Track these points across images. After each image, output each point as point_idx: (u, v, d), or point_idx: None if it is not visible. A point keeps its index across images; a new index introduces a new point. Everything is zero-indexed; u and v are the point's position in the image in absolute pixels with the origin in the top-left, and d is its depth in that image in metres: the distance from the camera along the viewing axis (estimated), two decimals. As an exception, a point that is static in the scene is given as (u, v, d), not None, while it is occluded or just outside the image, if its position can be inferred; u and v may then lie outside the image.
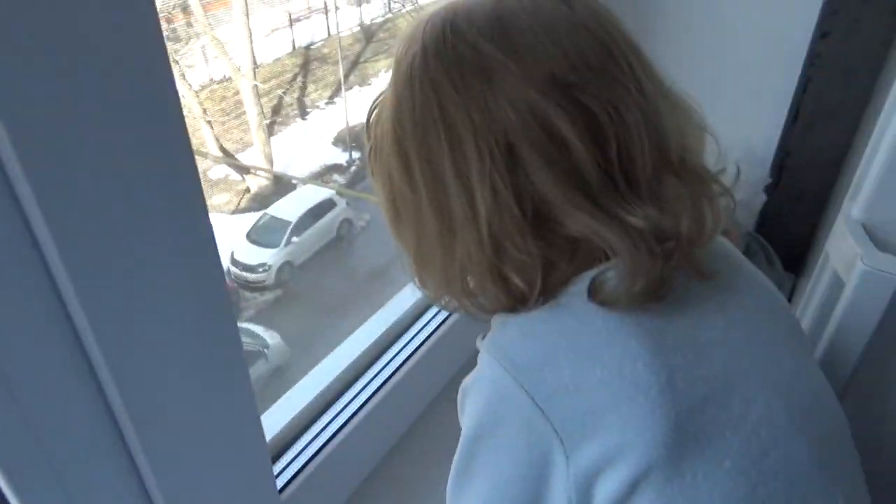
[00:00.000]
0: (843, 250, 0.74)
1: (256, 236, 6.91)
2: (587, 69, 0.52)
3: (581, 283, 0.53)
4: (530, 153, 0.51)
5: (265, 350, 5.15)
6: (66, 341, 0.49)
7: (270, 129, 9.15)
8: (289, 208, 7.28)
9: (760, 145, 1.26)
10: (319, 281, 6.84)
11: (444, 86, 0.53)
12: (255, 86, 8.88)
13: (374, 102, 0.62)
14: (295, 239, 6.89)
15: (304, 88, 10.04)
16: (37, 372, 0.49)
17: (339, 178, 8.64)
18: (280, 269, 6.69)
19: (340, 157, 8.88)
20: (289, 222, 6.97)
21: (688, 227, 0.53)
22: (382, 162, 0.60)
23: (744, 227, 1.25)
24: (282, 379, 4.95)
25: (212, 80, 9.29)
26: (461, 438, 0.57)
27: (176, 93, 0.50)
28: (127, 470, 0.58)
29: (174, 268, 0.53)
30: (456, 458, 0.58)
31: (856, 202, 0.75)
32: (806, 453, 0.52)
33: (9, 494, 0.51)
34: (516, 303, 0.57)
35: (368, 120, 0.63)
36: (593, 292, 0.52)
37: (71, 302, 0.47)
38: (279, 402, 0.96)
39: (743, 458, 0.50)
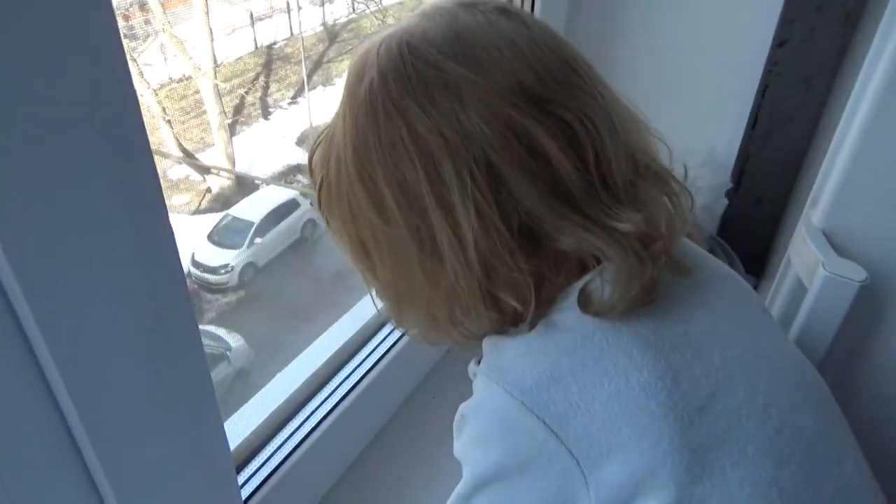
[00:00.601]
0: (804, 256, 0.75)
1: (218, 237, 6.79)
2: (554, 81, 0.52)
3: (570, 297, 0.53)
4: (512, 169, 0.51)
5: (228, 353, 5.07)
6: (14, 348, 0.48)
7: (232, 129, 9.01)
8: (251, 209, 7.17)
9: (722, 151, 1.28)
10: (283, 282, 6.76)
11: (410, 108, 0.52)
12: (216, 85, 8.74)
13: (316, 140, 0.60)
14: (258, 240, 6.79)
15: (266, 88, 9.91)
16: None
17: (302, 179, 8.53)
18: (243, 271, 6.58)
19: (304, 157, 8.74)
20: (251, 223, 6.86)
21: (666, 227, 0.54)
22: (340, 199, 0.58)
23: (706, 231, 1.27)
24: (245, 382, 4.87)
25: (171, 78, 9.10)
26: (466, 468, 0.55)
27: (133, 91, 0.48)
28: (82, 483, 0.57)
29: (132, 270, 0.52)
30: (459, 488, 0.56)
31: (816, 209, 0.76)
32: (812, 423, 0.53)
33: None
34: (508, 323, 0.56)
35: (311, 158, 0.61)
36: (585, 304, 0.52)
37: (21, 307, 0.46)
38: (243, 409, 0.95)
39: (762, 441, 0.50)
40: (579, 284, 0.54)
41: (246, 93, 9.65)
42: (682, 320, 0.54)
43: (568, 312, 0.53)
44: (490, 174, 0.51)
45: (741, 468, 0.49)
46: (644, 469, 0.48)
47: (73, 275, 0.48)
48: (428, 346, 0.65)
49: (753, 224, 1.35)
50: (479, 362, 0.58)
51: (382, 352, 1.04)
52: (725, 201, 1.25)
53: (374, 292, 0.64)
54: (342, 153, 0.56)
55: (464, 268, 0.53)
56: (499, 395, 0.51)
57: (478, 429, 0.54)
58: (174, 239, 0.56)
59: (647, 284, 0.52)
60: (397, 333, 1.06)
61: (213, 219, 7.18)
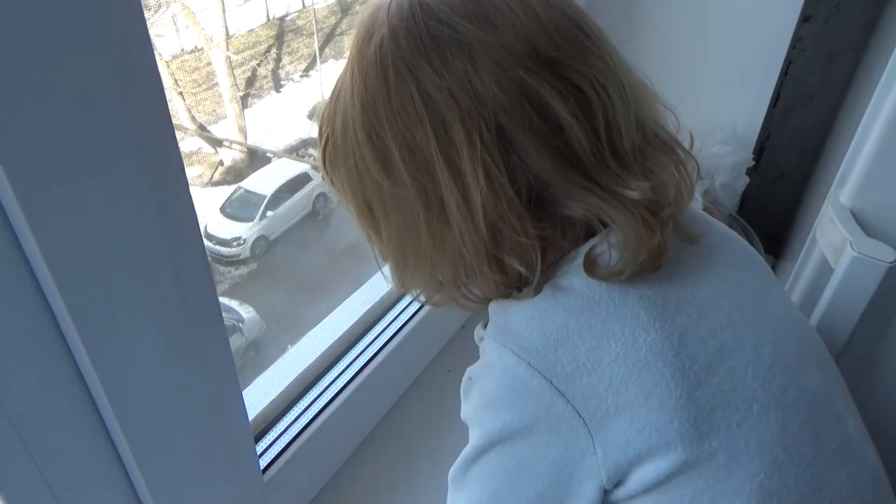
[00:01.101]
0: (831, 236, 0.74)
1: (230, 210, 6.79)
2: (567, 45, 0.51)
3: (576, 261, 0.54)
4: (522, 133, 0.50)
5: (240, 324, 5.10)
6: (40, 318, 0.48)
7: (244, 102, 8.98)
8: (263, 182, 7.17)
9: (744, 128, 1.26)
10: (295, 255, 6.78)
11: (421, 67, 0.51)
12: (228, 57, 8.69)
13: (327, 101, 0.59)
14: (270, 213, 6.80)
15: (278, 60, 9.85)
16: (11, 357, 0.48)
17: (314, 152, 8.48)
18: (255, 243, 6.61)
19: (315, 130, 8.73)
20: (263, 196, 6.86)
21: (674, 195, 0.54)
22: (347, 157, 0.57)
23: (726, 209, 1.25)
24: (257, 353, 4.91)
25: (183, 50, 9.04)
26: (473, 430, 0.55)
27: (155, 62, 0.48)
28: (105, 450, 0.58)
29: (154, 242, 0.52)
30: (466, 450, 0.56)
31: (844, 188, 0.75)
32: (815, 382, 0.54)
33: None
34: (513, 287, 0.56)
35: (322, 117, 0.60)
36: (590, 268, 0.52)
37: (45, 279, 0.46)
38: (259, 380, 0.95)
39: (767, 399, 0.51)
40: (584, 248, 0.54)
41: (258, 65, 9.59)
42: (687, 283, 0.54)
43: (574, 276, 0.53)
44: (500, 138, 0.50)
45: (747, 425, 0.50)
46: (651, 427, 0.49)
47: (97, 249, 0.48)
48: (431, 307, 0.65)
49: (772, 203, 1.33)
50: (485, 326, 0.58)
51: (398, 326, 1.04)
52: (746, 179, 1.24)
53: (377, 252, 0.63)
54: (349, 111, 0.55)
55: (470, 231, 0.53)
56: (507, 357, 0.51)
57: (485, 391, 0.54)
58: (194, 210, 0.56)
59: (654, 251, 0.52)
60: (413, 308, 1.06)
61: (225, 191, 7.18)
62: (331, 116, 0.58)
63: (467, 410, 0.57)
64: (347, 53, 0.56)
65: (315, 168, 7.72)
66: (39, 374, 0.50)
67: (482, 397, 0.54)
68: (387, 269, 0.64)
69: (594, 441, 0.49)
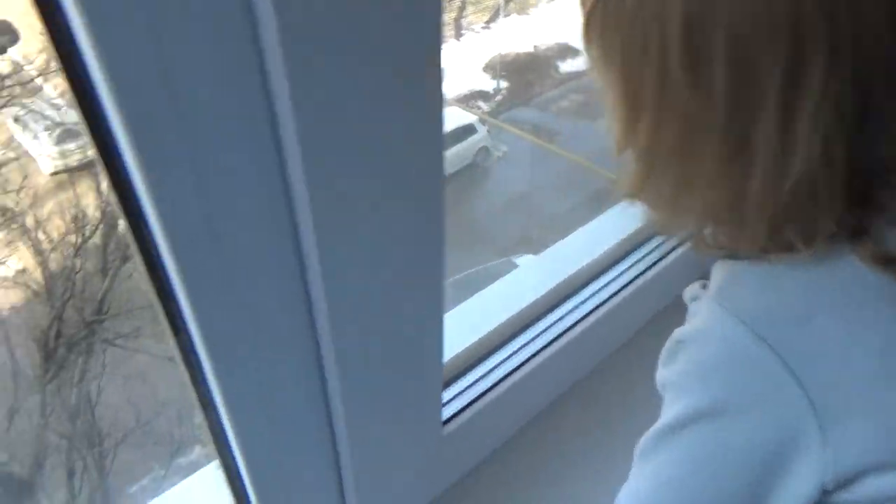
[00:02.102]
0: None
1: (396, 151, 7.02)
2: None
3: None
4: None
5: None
6: (287, 227, 0.48)
7: (423, 45, 9.10)
8: (430, 127, 7.32)
9: None
10: (450, 205, 6.87)
11: None
12: (416, -2, 8.81)
13: None
14: (432, 158, 6.94)
15: (462, 8, 9.87)
16: (256, 257, 0.48)
17: (483, 105, 8.54)
18: (414, 187, 6.79)
19: (488, 84, 8.76)
20: (429, 141, 7.01)
21: None
22: (632, 33, 0.43)
23: None
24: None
25: (374, -13, 9.29)
26: (674, 398, 0.48)
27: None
28: (312, 357, 0.57)
29: (404, 155, 0.51)
30: (664, 419, 0.48)
31: None
32: None
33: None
34: (768, 252, 0.46)
35: None
36: (866, 248, 0.43)
37: (297, 185, 0.45)
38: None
39: None
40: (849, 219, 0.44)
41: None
42: None
43: (835, 248, 0.44)
44: (862, 98, 0.39)
45: None
46: None
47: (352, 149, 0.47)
48: (649, 223, 0.56)
49: None
50: (703, 286, 0.51)
51: (606, 295, 0.96)
52: None
53: (616, 142, 0.49)
54: None
55: (766, 192, 0.42)
56: (732, 326, 0.44)
57: (696, 357, 0.47)
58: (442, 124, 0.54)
59: None
60: (622, 281, 0.96)
61: (394, 131, 7.42)
62: None
63: (669, 376, 0.49)
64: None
65: (482, 121, 7.72)
66: (281, 298, 0.51)
67: (692, 364, 0.47)
68: (618, 146, 0.50)
69: (825, 437, 0.42)
